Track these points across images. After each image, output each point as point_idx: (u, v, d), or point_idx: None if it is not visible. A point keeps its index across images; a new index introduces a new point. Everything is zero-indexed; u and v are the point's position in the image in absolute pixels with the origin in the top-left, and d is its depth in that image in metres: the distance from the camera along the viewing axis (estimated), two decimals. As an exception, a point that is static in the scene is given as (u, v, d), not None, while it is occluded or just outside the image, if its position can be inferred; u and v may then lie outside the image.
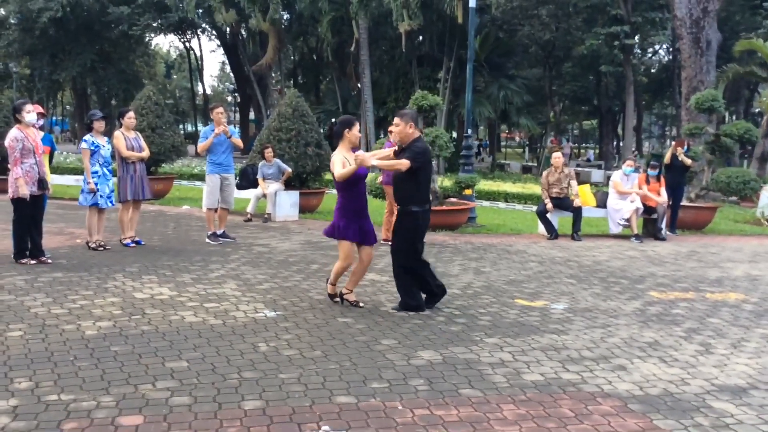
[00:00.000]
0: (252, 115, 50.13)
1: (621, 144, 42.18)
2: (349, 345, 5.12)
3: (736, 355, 5.27)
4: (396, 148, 6.30)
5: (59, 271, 7.37)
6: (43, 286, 6.65)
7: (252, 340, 5.16)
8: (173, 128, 16.39)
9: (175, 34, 46.85)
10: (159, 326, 5.44)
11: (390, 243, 6.63)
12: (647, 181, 12.10)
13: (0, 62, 47.76)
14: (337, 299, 6.35)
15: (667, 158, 12.99)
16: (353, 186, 6.05)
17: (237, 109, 56.53)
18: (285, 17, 37.03)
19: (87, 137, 8.77)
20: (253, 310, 6.05)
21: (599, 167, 34.15)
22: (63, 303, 6.05)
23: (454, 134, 32.65)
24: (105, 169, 8.84)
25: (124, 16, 37.95)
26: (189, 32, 47.17)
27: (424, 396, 4.18)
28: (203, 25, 45.38)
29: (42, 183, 7.75)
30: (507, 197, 18.72)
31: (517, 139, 74.60)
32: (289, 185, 13.15)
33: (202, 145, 9.71)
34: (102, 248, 8.79)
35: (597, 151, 51.15)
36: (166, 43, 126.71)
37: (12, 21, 40.28)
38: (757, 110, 41.19)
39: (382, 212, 10.72)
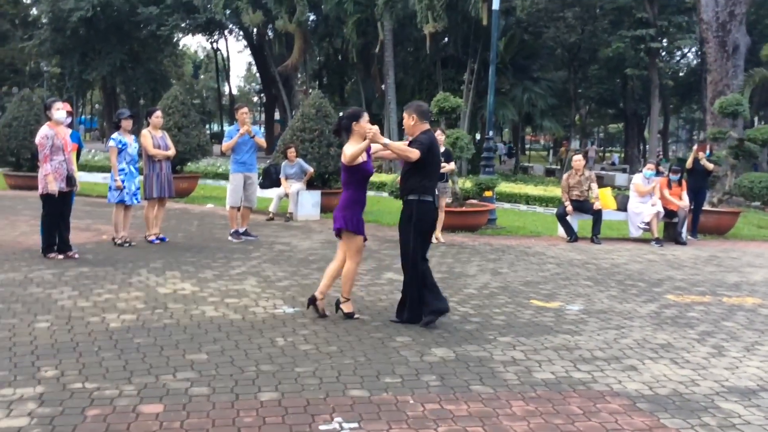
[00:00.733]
0: (277, 115, 50.53)
1: (647, 148, 41.87)
2: (364, 341, 5.23)
3: (748, 358, 5.29)
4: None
5: (85, 266, 7.58)
6: (69, 280, 6.86)
7: (270, 334, 5.30)
8: (199, 128, 16.64)
9: (202, 35, 47.41)
10: (180, 320, 5.60)
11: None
12: (669, 186, 12.08)
13: (32, 61, 48.74)
14: (358, 315, 5.90)
15: (689, 162, 12.94)
16: (363, 180, 5.88)
17: (263, 109, 56.99)
18: (311, 19, 37.30)
19: (115, 135, 8.99)
20: (272, 306, 6.20)
21: (624, 171, 33.96)
22: (89, 296, 6.24)
23: (478, 136, 32.65)
24: (132, 167, 9.06)
25: (153, 17, 38.52)
26: (216, 33, 47.71)
27: (435, 391, 4.28)
28: (230, 26, 45.85)
29: (70, 180, 7.98)
30: (528, 199, 18.73)
31: (542, 142, 74.27)
32: (311, 185, 13.32)
33: (226, 144, 9.90)
34: (127, 244, 9.01)
35: (622, 154, 50.77)
36: (193, 43, 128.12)
37: (44, 20, 41.03)
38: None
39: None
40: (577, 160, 12.00)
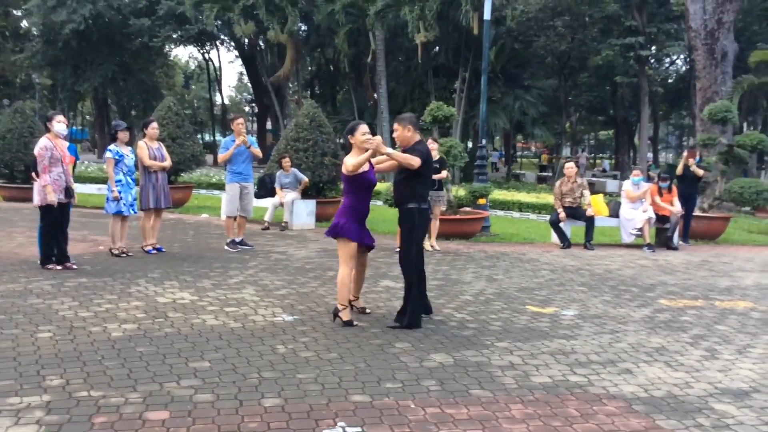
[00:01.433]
0: (269, 125, 50.61)
1: (637, 154, 42.14)
2: (364, 348, 5.31)
3: (741, 360, 5.40)
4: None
5: (84, 277, 7.63)
6: (69, 291, 6.91)
7: (270, 342, 5.37)
8: (193, 138, 16.71)
9: (194, 46, 47.47)
10: (181, 329, 5.66)
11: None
12: (659, 192, 12.23)
13: (23, 73, 48.65)
14: (357, 323, 5.98)
15: (679, 169, 13.11)
16: (362, 191, 5.99)
17: (255, 119, 57.06)
18: (303, 29, 37.45)
19: (111, 147, 9.05)
20: (272, 314, 6.26)
21: (615, 177, 34.18)
22: (89, 306, 6.29)
23: (470, 144, 32.81)
24: (128, 178, 9.12)
25: (144, 28, 38.56)
26: (208, 44, 47.78)
27: (435, 396, 4.35)
28: (222, 37, 45.96)
29: (68, 191, 8.04)
30: (521, 207, 18.87)
31: (533, 149, 74.59)
32: (306, 194, 13.40)
33: (222, 156, 9.97)
34: (124, 255, 9.06)
35: (613, 161, 51.08)
36: (185, 54, 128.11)
37: (35, 32, 41.02)
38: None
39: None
40: (569, 167, 12.14)
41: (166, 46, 44.98)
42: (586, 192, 11.90)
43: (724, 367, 5.20)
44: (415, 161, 5.83)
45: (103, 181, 18.54)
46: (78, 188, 8.43)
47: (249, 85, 57.86)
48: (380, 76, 29.74)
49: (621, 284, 8.47)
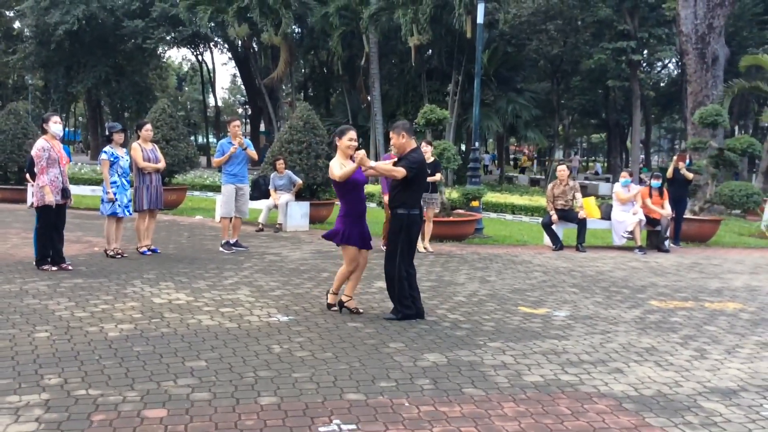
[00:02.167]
0: (263, 127, 50.63)
1: (629, 157, 42.36)
2: (358, 347, 5.37)
3: (729, 360, 5.49)
4: (395, 159, 6.58)
5: (80, 278, 7.67)
6: (65, 291, 6.95)
7: (266, 342, 5.43)
8: (187, 140, 16.75)
9: (187, 48, 47.46)
10: (177, 329, 5.71)
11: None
12: (650, 194, 12.34)
13: (16, 74, 48.54)
14: (335, 308, 6.51)
15: (669, 172, 13.24)
16: (354, 191, 6.32)
17: (248, 120, 57.06)
18: (296, 31, 37.51)
19: (107, 149, 9.09)
20: (267, 314, 6.32)
21: (607, 180, 34.36)
22: (85, 307, 6.34)
23: (463, 147, 32.94)
24: (123, 180, 9.16)
25: (138, 30, 38.56)
26: (201, 45, 47.78)
27: (429, 394, 4.42)
28: (216, 39, 45.95)
29: (65, 192, 8.08)
30: (514, 209, 18.97)
31: (526, 152, 74.81)
32: (299, 196, 13.46)
33: (218, 160, 10.07)
34: (120, 256, 9.09)
35: (605, 164, 51.33)
36: (178, 56, 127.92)
37: (28, 34, 40.94)
38: (766, 124, 41.35)
39: (381, 220, 11.02)
40: (562, 170, 12.24)
41: (160, 48, 44.96)
42: (578, 194, 12.00)
43: (713, 366, 5.29)
44: (399, 173, 6.11)
45: (97, 182, 18.54)
46: (72, 190, 8.47)
47: (242, 87, 57.88)
48: (374, 78, 29.83)
49: (612, 286, 8.56)
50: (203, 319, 6.08)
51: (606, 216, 12.45)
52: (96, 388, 4.29)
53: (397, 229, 6.29)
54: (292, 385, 4.48)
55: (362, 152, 6.19)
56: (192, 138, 46.21)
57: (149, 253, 9.50)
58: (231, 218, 10.18)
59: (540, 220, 13.31)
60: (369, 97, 32.42)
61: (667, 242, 12.19)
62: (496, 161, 48.78)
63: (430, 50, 32.67)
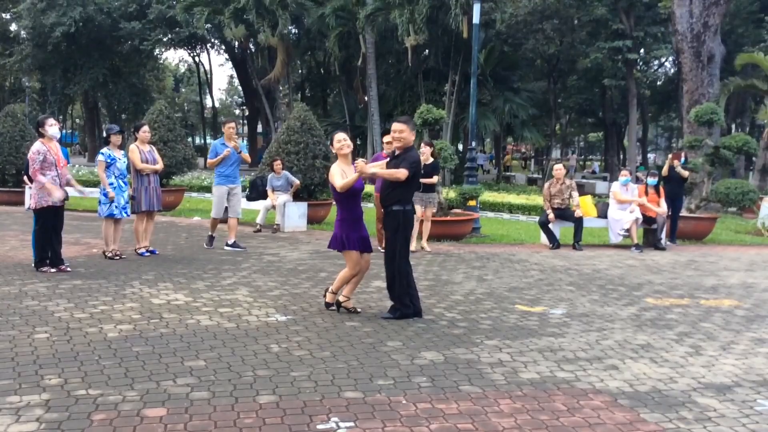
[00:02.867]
0: (260, 128, 50.64)
1: (626, 156, 42.47)
2: (356, 346, 5.41)
3: (724, 356, 5.54)
4: (387, 159, 6.62)
5: (79, 279, 7.70)
6: (64, 293, 6.98)
7: (264, 341, 5.47)
8: (184, 141, 16.78)
9: (184, 49, 47.46)
10: (176, 329, 5.75)
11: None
12: (646, 192, 12.39)
13: (12, 77, 48.49)
14: (333, 308, 6.56)
15: (665, 170, 13.31)
16: (352, 197, 6.38)
17: (245, 122, 57.08)
18: (293, 32, 37.53)
19: (104, 150, 9.13)
20: (265, 314, 6.36)
21: (604, 179, 34.42)
22: (84, 308, 6.37)
23: (460, 146, 32.97)
24: (120, 181, 9.19)
25: (135, 32, 38.54)
26: (198, 47, 47.77)
27: (426, 392, 4.46)
28: (212, 40, 45.96)
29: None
30: (511, 208, 19.03)
31: (523, 151, 74.89)
32: (297, 197, 13.50)
33: (212, 161, 10.20)
34: (118, 257, 9.12)
35: (602, 163, 51.40)
36: (175, 57, 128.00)
37: (24, 36, 40.90)
38: (765, 121, 41.43)
39: (373, 220, 11.05)
40: (558, 169, 12.28)
41: (157, 50, 44.95)
42: (575, 193, 12.06)
43: (707, 362, 5.34)
44: (403, 175, 6.15)
45: (95, 184, 18.55)
46: (69, 192, 8.51)
47: (239, 88, 57.88)
48: (371, 79, 29.86)
49: (609, 284, 8.61)
50: (202, 319, 6.11)
51: (603, 214, 12.50)
52: (96, 387, 4.33)
53: (394, 227, 6.34)
54: (291, 383, 4.52)
55: (361, 162, 6.23)
56: (189, 139, 46.22)
57: (147, 254, 9.53)
58: (220, 218, 10.41)
59: (537, 218, 13.36)
60: (366, 98, 32.47)
61: (663, 240, 12.25)
62: (494, 161, 48.81)
63: (427, 50, 32.71)
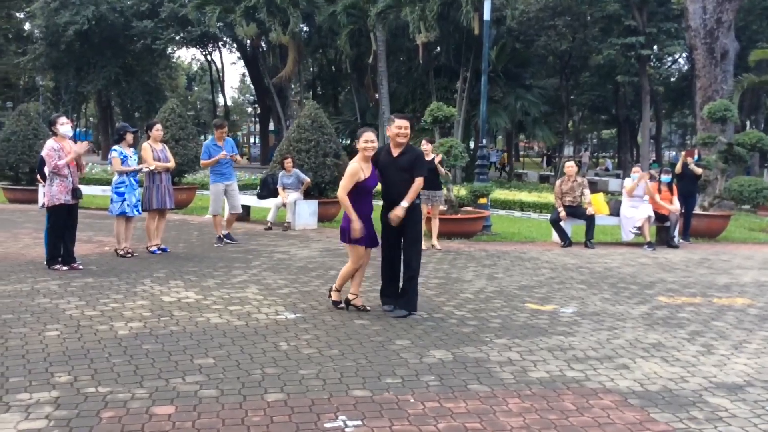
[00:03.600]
0: (272, 126, 50.77)
1: (640, 153, 42.15)
2: (365, 344, 5.41)
3: (736, 355, 5.48)
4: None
5: (90, 277, 7.74)
6: (75, 290, 7.02)
7: (273, 339, 5.47)
8: (196, 140, 16.84)
9: (196, 48, 47.65)
10: (186, 327, 5.77)
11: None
12: (659, 190, 12.31)
13: (26, 76, 48.86)
14: (342, 306, 6.53)
15: (678, 168, 13.21)
16: (364, 194, 6.34)
17: (257, 119, 57.22)
18: (304, 30, 37.57)
19: (116, 147, 9.18)
20: (274, 312, 6.37)
21: (617, 176, 34.23)
22: (95, 306, 6.40)
23: (472, 144, 32.89)
24: (132, 179, 9.24)
25: (147, 30, 38.75)
26: (210, 45, 47.95)
27: (434, 390, 4.45)
28: (224, 39, 46.10)
29: (76, 192, 8.16)
30: (522, 206, 18.95)
31: (536, 148, 74.68)
32: (308, 195, 13.50)
33: (206, 162, 10.49)
34: (129, 255, 9.17)
35: (616, 160, 51.12)
36: (187, 55, 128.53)
37: (38, 35, 41.19)
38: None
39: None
40: (569, 166, 12.22)
41: (169, 48, 45.16)
42: (587, 191, 11.98)
43: (719, 362, 5.29)
44: (421, 182, 6.39)
45: (107, 182, 18.65)
46: (82, 190, 8.58)
47: (251, 86, 58.03)
48: (382, 76, 29.85)
49: (620, 282, 8.56)
50: (212, 317, 6.13)
51: (615, 212, 12.43)
52: (105, 385, 4.35)
53: (418, 219, 6.54)
54: (299, 381, 4.52)
55: (394, 214, 6.24)
56: (201, 137, 46.39)
57: (159, 252, 9.58)
58: (219, 215, 10.64)
59: (548, 216, 13.29)
60: (377, 95, 32.45)
61: (676, 238, 12.16)
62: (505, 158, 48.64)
63: (438, 47, 32.68)
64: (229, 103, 65.94)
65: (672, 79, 45.50)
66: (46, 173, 8.16)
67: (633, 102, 41.18)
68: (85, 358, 4.87)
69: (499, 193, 19.83)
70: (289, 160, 13.13)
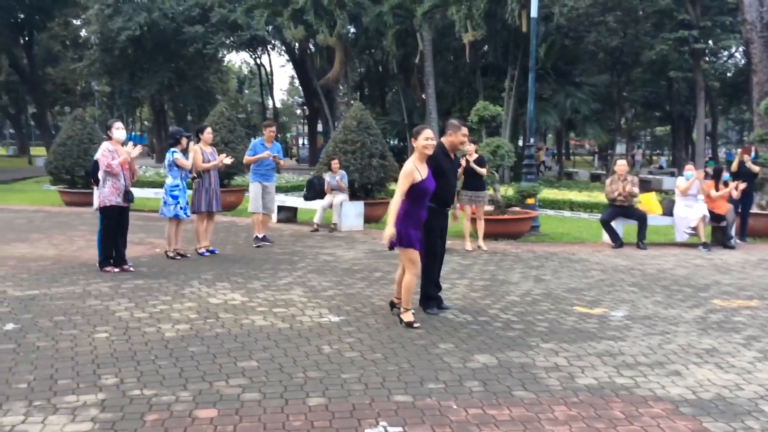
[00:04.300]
0: (320, 127, 51.12)
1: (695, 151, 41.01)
2: (408, 348, 5.36)
3: (795, 362, 5.26)
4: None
5: (140, 279, 7.88)
6: (126, 292, 7.16)
7: (317, 342, 5.47)
8: (245, 142, 17.01)
9: (246, 51, 48.31)
10: (231, 329, 5.81)
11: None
12: (716, 188, 11.92)
13: (82, 81, 50.28)
14: (418, 324, 5.99)
15: (734, 166, 12.78)
16: (423, 196, 5.98)
17: (305, 121, 57.72)
18: (351, 32, 37.70)
19: (172, 149, 9.35)
20: (318, 315, 6.37)
21: (672, 174, 33.38)
22: (144, 308, 6.51)
23: (520, 143, 32.47)
24: (184, 182, 9.41)
25: (198, 35, 39.43)
26: (260, 49, 48.55)
27: (478, 396, 4.38)
28: (273, 42, 46.62)
29: (128, 195, 8.33)
30: (572, 206, 18.60)
31: (587, 146, 73.42)
32: (354, 196, 13.52)
33: (249, 158, 10.64)
34: (179, 257, 9.32)
35: (670, 158, 49.89)
36: (238, 59, 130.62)
37: (94, 41, 42.31)
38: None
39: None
40: (621, 165, 11.92)
41: (220, 52, 45.88)
42: (636, 189, 11.66)
43: (777, 369, 5.08)
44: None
45: (160, 185, 19.04)
46: (135, 192, 8.76)
47: (300, 88, 58.56)
48: (428, 76, 29.74)
49: (673, 284, 8.31)
50: (256, 319, 6.17)
51: (668, 212, 12.08)
52: (150, 388, 4.40)
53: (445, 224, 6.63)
54: (341, 386, 4.50)
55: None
56: (252, 140, 46.99)
57: (208, 254, 9.71)
58: (259, 213, 10.72)
59: (599, 216, 13.00)
60: (424, 95, 32.33)
61: (732, 238, 11.76)
62: (555, 156, 47.99)
63: (485, 46, 32.37)
64: (278, 105, 66.72)
65: (728, 74, 44.15)
66: (100, 177, 8.34)
67: (687, 98, 40.07)
68: (132, 360, 4.95)
69: (548, 193, 19.52)
70: (336, 161, 13.17)
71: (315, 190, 13.23)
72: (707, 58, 35.24)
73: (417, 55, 31.19)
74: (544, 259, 10.07)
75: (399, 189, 5.89)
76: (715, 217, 11.70)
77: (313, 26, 31.68)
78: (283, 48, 47.73)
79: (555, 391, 4.52)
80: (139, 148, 8.70)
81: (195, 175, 9.63)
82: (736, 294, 7.81)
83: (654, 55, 30.76)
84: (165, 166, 9.64)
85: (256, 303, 6.79)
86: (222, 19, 38.59)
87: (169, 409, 4.05)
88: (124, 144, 8.61)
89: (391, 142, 36.06)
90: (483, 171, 10.66)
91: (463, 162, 10.32)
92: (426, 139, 5.93)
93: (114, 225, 8.33)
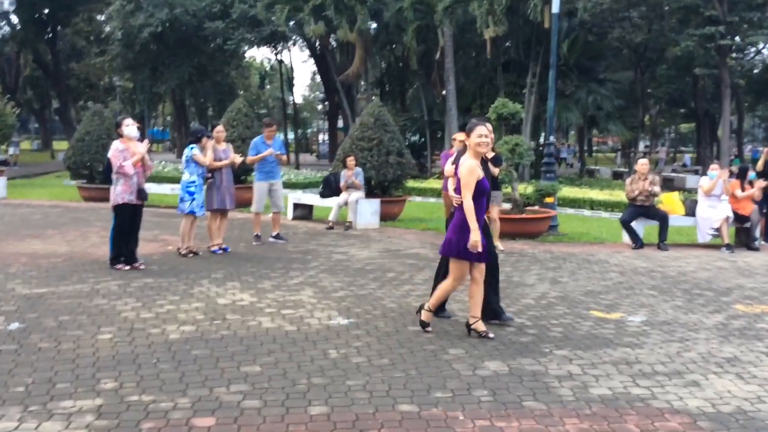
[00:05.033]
0: (341, 123, 51.04)
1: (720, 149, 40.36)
2: (416, 354, 5.21)
3: (822, 373, 5.02)
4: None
5: (150, 277, 7.81)
6: (134, 291, 7.08)
7: (323, 346, 5.34)
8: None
9: (267, 47, 48.29)
10: (237, 331, 5.70)
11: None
12: (742, 187, 11.60)
13: (105, 76, 50.69)
14: (430, 329, 5.79)
15: (759, 165, 12.46)
16: (478, 198, 5.50)
17: (326, 117, 57.67)
18: (372, 27, 37.50)
19: (192, 146, 9.29)
20: (327, 317, 6.24)
21: (696, 172, 32.85)
22: (151, 308, 6.42)
23: (541, 140, 32.12)
24: (201, 179, 9.35)
25: (219, 31, 39.46)
26: (280, 44, 48.49)
27: (486, 407, 4.21)
28: (294, 38, 46.54)
29: (141, 193, 8.26)
30: (593, 204, 18.30)
31: (610, 143, 72.63)
32: (370, 193, 13.37)
33: (253, 158, 10.55)
34: (192, 255, 9.25)
35: (695, 155, 49.15)
36: (259, 55, 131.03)
37: (117, 36, 42.57)
38: None
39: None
40: (643, 164, 11.65)
41: (241, 48, 45.91)
42: (657, 188, 11.38)
43: (802, 380, 4.86)
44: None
45: (178, 181, 19.04)
46: (153, 188, 8.72)
47: (321, 84, 58.52)
48: (449, 72, 29.46)
49: (695, 288, 8.07)
50: (264, 321, 6.05)
51: (691, 212, 11.79)
52: (149, 393, 4.29)
53: None
54: (345, 393, 4.36)
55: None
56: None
57: (220, 252, 9.63)
58: (261, 213, 10.67)
59: (620, 216, 12.74)
60: (444, 92, 32.07)
61: (757, 240, 11.44)
62: (577, 154, 47.49)
63: (507, 42, 32.00)
64: (299, 101, 66.80)
65: (755, 71, 43.34)
66: (113, 177, 8.27)
67: (713, 95, 39.41)
68: (133, 363, 4.85)
69: (568, 191, 19.21)
70: (352, 158, 13.03)
71: (331, 188, 13.13)
72: (734, 55, 34.54)
73: (438, 51, 30.92)
74: (562, 260, 9.85)
75: (467, 189, 5.42)
76: (739, 218, 11.40)
77: (334, 22, 31.54)
78: (304, 43, 47.63)
79: (567, 401, 4.35)
80: (146, 143, 8.61)
81: (209, 175, 9.56)
82: (759, 299, 7.55)
83: (679, 51, 30.25)
84: (183, 161, 9.59)
85: (264, 304, 6.68)
86: (242, 14, 38.56)
87: (165, 417, 3.94)
88: (141, 140, 8.55)
89: (412, 138, 35.84)
90: (496, 170, 10.44)
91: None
92: (479, 137, 5.51)
93: (127, 222, 8.26)
